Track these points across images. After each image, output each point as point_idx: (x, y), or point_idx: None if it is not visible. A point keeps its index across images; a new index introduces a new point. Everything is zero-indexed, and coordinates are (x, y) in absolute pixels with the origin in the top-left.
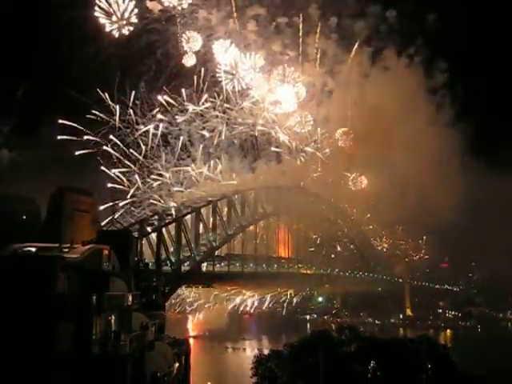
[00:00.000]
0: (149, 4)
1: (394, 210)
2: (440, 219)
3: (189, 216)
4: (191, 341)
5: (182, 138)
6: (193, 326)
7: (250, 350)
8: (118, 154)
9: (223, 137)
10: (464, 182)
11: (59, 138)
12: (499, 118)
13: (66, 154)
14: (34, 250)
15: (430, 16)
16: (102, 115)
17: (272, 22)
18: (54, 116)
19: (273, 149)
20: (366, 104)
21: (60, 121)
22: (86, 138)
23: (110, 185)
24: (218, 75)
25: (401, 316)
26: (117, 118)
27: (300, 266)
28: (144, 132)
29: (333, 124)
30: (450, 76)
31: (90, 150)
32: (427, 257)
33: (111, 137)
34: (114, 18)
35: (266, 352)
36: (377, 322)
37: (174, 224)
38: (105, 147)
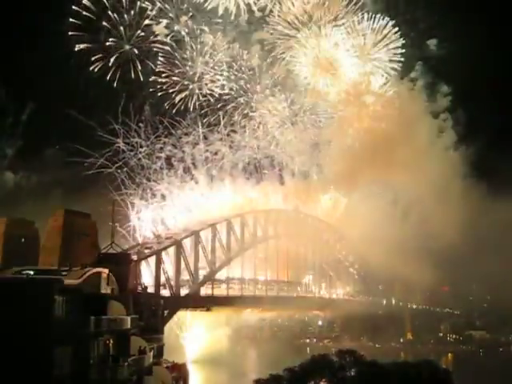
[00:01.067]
0: (155, 28)
1: (394, 233)
2: (440, 242)
3: (188, 239)
4: (190, 365)
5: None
6: (192, 349)
7: (249, 374)
8: (122, 177)
9: (226, 159)
10: (465, 206)
11: (64, 160)
12: (500, 143)
13: (70, 176)
14: (32, 272)
15: (430, 41)
16: (107, 136)
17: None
18: (58, 138)
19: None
20: (367, 127)
21: (64, 143)
22: (89, 160)
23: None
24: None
25: (401, 340)
26: (121, 141)
27: (300, 289)
28: (147, 154)
29: (335, 146)
30: (452, 100)
31: (93, 171)
32: (427, 280)
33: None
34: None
35: (265, 376)
36: (377, 345)
37: (173, 247)
38: (108, 170)
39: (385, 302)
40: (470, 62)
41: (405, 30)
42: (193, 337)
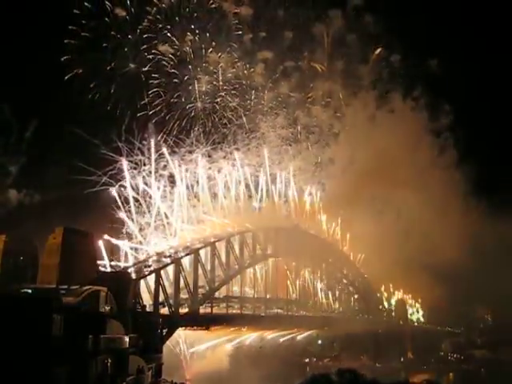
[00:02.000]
0: (161, 48)
1: (395, 251)
2: (441, 260)
3: (187, 257)
4: None
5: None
6: (192, 369)
7: None
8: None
9: (229, 177)
10: (465, 223)
11: (67, 177)
12: (501, 161)
13: (72, 194)
14: (30, 291)
15: (431, 61)
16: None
17: (279, 66)
18: (61, 156)
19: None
20: (371, 145)
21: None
22: (92, 177)
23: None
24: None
25: (402, 359)
26: (124, 159)
27: (299, 308)
28: (151, 172)
29: (337, 164)
30: (453, 119)
31: (96, 189)
32: (428, 298)
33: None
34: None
35: None
36: (378, 365)
37: (172, 266)
38: (111, 188)
39: (385, 320)
40: (471, 81)
41: (406, 49)
42: (193, 356)
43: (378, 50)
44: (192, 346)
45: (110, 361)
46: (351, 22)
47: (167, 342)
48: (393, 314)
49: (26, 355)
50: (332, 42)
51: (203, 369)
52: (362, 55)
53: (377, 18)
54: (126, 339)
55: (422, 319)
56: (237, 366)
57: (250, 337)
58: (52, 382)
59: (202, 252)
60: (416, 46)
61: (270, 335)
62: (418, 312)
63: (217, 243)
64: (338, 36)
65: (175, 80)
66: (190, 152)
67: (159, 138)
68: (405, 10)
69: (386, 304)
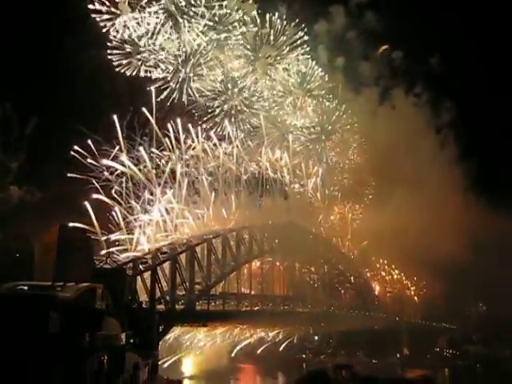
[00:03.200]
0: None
1: (392, 246)
2: (438, 256)
3: (183, 254)
4: (186, 381)
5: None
6: (189, 366)
7: None
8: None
9: (229, 174)
10: (463, 220)
11: (67, 174)
12: (500, 159)
13: (72, 190)
14: (26, 288)
15: (433, 59)
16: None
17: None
18: (62, 152)
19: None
20: (370, 141)
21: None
22: (92, 174)
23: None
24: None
25: (398, 355)
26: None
27: (295, 304)
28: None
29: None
30: (454, 116)
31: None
32: (424, 292)
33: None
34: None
35: None
36: (374, 361)
37: (168, 262)
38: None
39: (381, 316)
40: (472, 78)
41: (408, 47)
42: (191, 352)
43: (383, 47)
44: (190, 343)
45: (106, 358)
46: (353, 18)
47: (164, 339)
48: (389, 309)
49: (21, 352)
50: (333, 39)
51: (201, 365)
52: (365, 52)
53: (379, 16)
54: (123, 336)
55: (417, 315)
56: (234, 362)
57: (248, 333)
58: (48, 379)
59: (198, 249)
60: (417, 44)
61: (267, 332)
62: (413, 308)
63: (213, 240)
64: (339, 33)
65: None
66: (194, 148)
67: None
68: (406, 8)
69: (382, 301)
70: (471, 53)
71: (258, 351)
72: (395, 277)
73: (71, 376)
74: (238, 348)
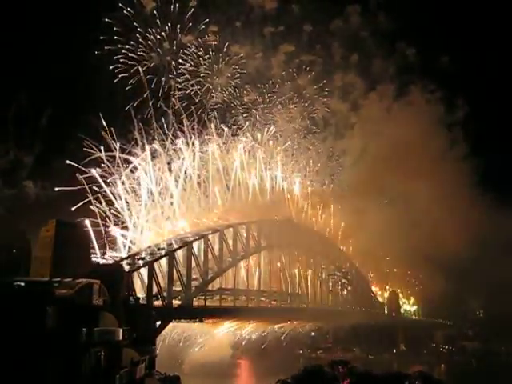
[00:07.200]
0: (184, 39)
1: (400, 243)
2: (444, 252)
3: (180, 250)
4: (183, 377)
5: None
6: (187, 361)
7: None
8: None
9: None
10: (468, 217)
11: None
12: (509, 156)
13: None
14: (23, 284)
15: (443, 58)
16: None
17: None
18: (74, 146)
19: None
20: (384, 137)
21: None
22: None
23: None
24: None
25: (394, 351)
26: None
27: (292, 300)
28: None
29: (350, 156)
30: (466, 113)
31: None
32: (421, 288)
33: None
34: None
35: None
36: (370, 356)
37: (165, 258)
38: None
39: (378, 312)
40: (484, 77)
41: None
42: (188, 349)
43: (398, 45)
44: (189, 339)
45: (103, 353)
46: (369, 17)
47: (162, 334)
48: (385, 306)
49: (19, 347)
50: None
51: (198, 361)
52: (382, 50)
53: (393, 15)
54: (120, 332)
55: (414, 311)
56: (231, 358)
57: (245, 329)
58: (46, 374)
59: (195, 245)
60: (431, 43)
61: (263, 328)
62: (410, 304)
63: (210, 236)
64: (355, 31)
65: (198, 70)
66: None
67: (172, 128)
68: (419, 7)
69: (379, 297)
70: (484, 52)
71: (256, 347)
72: (395, 270)
73: (68, 371)
74: (237, 342)
